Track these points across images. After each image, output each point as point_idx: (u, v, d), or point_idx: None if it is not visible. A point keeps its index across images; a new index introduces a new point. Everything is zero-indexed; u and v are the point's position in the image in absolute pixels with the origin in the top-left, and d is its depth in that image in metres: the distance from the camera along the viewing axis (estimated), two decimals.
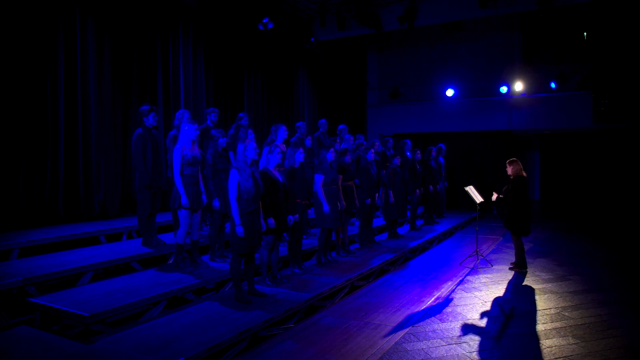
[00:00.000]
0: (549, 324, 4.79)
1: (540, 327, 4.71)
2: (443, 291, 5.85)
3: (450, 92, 13.85)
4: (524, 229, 6.68)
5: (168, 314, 4.61)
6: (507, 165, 6.79)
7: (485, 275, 6.67)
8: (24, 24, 6.46)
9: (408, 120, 14.74)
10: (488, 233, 10.08)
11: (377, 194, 8.09)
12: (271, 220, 5.12)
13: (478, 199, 7.56)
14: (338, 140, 8.55)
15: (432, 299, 5.55)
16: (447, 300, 5.50)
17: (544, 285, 6.15)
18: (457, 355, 4.03)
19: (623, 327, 4.69)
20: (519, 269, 6.86)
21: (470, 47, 14.50)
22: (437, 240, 9.24)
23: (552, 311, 5.16)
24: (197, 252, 5.78)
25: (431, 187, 10.06)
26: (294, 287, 5.47)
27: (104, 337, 4.07)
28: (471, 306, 5.31)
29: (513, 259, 7.10)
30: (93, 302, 4.44)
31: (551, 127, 13.31)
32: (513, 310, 5.19)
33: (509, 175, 6.76)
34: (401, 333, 4.46)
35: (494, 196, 6.89)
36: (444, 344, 4.26)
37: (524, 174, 6.75)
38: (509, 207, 6.68)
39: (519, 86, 12.89)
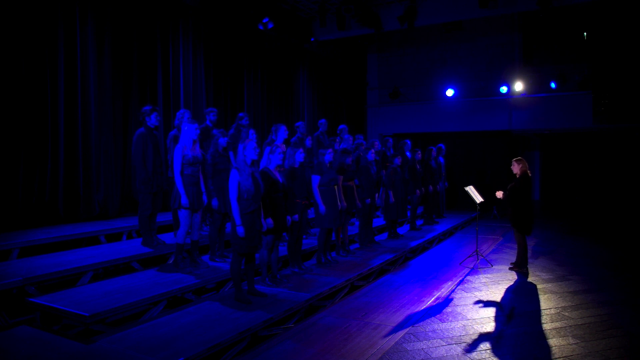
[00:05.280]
0: (549, 324, 4.79)
1: (540, 327, 4.71)
2: (443, 291, 5.85)
3: (450, 92, 13.85)
4: (528, 227, 6.68)
5: (168, 314, 4.61)
6: (514, 164, 6.77)
7: (485, 275, 6.67)
8: (23, 24, 6.46)
9: (408, 120, 14.73)
10: (488, 233, 10.08)
11: (377, 194, 8.09)
12: (270, 221, 5.12)
13: (478, 199, 7.56)
14: (338, 140, 8.56)
15: (432, 299, 5.55)
16: (447, 300, 5.50)
17: (544, 285, 6.15)
18: (457, 355, 4.03)
19: (623, 327, 4.69)
20: (519, 269, 6.86)
21: (470, 47, 14.49)
22: (437, 240, 9.24)
23: (552, 311, 5.16)
24: (197, 252, 5.78)
25: (431, 187, 10.07)
26: (294, 287, 5.47)
27: (104, 337, 4.07)
28: (471, 306, 5.31)
29: (513, 259, 7.11)
30: (93, 302, 4.44)
31: (551, 127, 13.31)
32: (513, 310, 5.19)
33: (515, 174, 6.75)
34: (401, 333, 4.46)
35: (500, 194, 6.84)
36: (444, 344, 4.26)
37: (529, 172, 6.76)
38: (514, 205, 6.67)
39: (519, 86, 12.89)
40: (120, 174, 7.88)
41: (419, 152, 9.65)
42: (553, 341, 4.35)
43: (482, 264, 7.23)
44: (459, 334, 4.50)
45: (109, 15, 7.60)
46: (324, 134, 8.99)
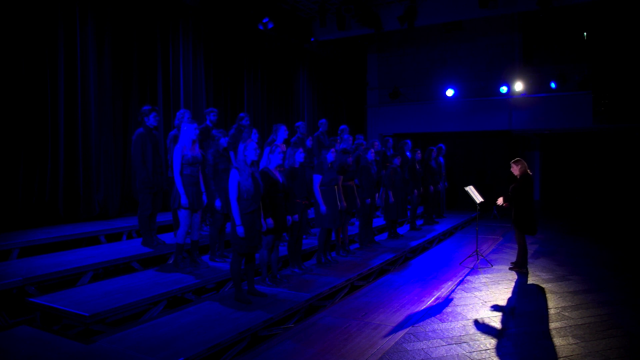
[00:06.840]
0: (549, 324, 4.79)
1: (540, 327, 4.71)
2: (443, 291, 5.85)
3: (450, 92, 13.85)
4: (532, 228, 6.67)
5: (168, 314, 4.61)
6: (513, 165, 6.73)
7: (485, 275, 6.67)
8: (23, 24, 6.45)
9: (408, 120, 14.74)
10: (488, 233, 10.08)
11: (377, 194, 8.09)
12: (270, 221, 5.12)
13: (478, 199, 7.56)
14: (338, 140, 8.55)
15: (432, 299, 5.55)
16: (447, 300, 5.50)
17: (544, 285, 6.15)
18: (457, 355, 4.03)
19: (623, 327, 4.69)
20: (519, 269, 6.86)
21: (470, 47, 14.49)
22: (437, 240, 9.24)
23: (552, 311, 5.16)
24: (197, 252, 5.78)
25: (431, 187, 10.07)
26: (294, 287, 5.47)
27: (104, 337, 4.07)
28: (471, 306, 5.31)
29: (513, 259, 7.11)
30: (93, 302, 4.44)
31: (551, 127, 13.31)
32: (513, 310, 5.19)
33: (515, 175, 6.72)
34: (401, 333, 4.46)
35: (500, 200, 6.83)
36: (444, 344, 4.26)
37: (530, 172, 6.73)
38: (517, 206, 6.65)
39: (519, 86, 12.89)
40: (120, 174, 7.88)
41: (419, 152, 9.65)
42: (553, 341, 4.35)
43: (482, 264, 7.23)
44: (459, 334, 4.50)
45: (109, 15, 7.60)
46: (324, 134, 8.99)
